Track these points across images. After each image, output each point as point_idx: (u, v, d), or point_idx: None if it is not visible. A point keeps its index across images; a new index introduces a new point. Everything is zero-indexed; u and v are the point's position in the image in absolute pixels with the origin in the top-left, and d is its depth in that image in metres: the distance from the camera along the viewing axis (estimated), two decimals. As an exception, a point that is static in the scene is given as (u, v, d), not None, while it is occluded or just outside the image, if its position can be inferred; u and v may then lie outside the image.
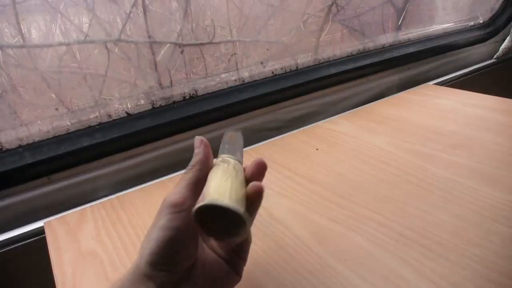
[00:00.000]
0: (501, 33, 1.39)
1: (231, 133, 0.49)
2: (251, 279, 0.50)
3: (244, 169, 0.44)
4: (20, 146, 0.70)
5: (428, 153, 0.76)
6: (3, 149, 0.69)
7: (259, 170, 0.43)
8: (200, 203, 0.36)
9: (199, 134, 0.83)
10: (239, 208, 0.35)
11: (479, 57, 1.39)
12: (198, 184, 0.41)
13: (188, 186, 0.40)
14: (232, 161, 0.43)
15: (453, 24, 1.35)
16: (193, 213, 0.36)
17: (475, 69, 1.34)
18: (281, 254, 0.53)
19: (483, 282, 0.46)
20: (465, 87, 1.13)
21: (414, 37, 1.23)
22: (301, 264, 0.51)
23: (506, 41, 1.39)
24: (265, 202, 0.64)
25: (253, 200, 0.40)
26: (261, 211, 0.62)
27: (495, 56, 1.41)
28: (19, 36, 0.69)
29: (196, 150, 0.43)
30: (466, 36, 1.32)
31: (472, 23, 1.39)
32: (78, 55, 0.74)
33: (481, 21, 1.41)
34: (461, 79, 1.29)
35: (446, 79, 1.26)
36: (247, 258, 0.45)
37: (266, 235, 0.57)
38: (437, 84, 1.21)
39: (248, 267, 0.51)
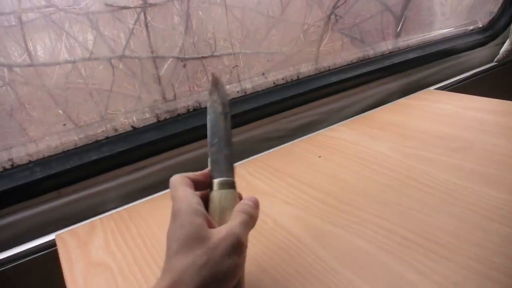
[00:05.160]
0: (500, 36, 1.40)
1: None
2: (256, 283, 0.51)
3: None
4: (30, 162, 0.72)
5: (429, 157, 0.77)
6: (14, 165, 0.71)
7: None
8: None
9: (204, 146, 0.85)
10: None
11: (479, 60, 1.41)
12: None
13: None
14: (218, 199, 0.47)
15: (452, 29, 1.37)
16: None
17: (476, 72, 1.36)
18: (286, 260, 0.55)
19: (484, 280, 0.47)
20: (467, 91, 1.14)
21: (414, 43, 1.25)
22: (306, 268, 0.53)
23: (506, 44, 1.39)
24: (270, 210, 0.66)
25: None
26: (265, 218, 0.64)
27: (495, 59, 1.42)
28: (26, 54, 0.71)
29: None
30: (465, 40, 1.33)
31: (471, 27, 1.41)
32: (83, 71, 0.76)
33: (480, 25, 1.42)
34: (462, 83, 1.30)
35: (447, 84, 1.27)
36: None
37: (270, 242, 0.59)
38: (438, 89, 1.22)
39: (254, 273, 0.52)
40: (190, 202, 0.42)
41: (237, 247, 0.40)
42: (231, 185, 0.48)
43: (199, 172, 0.48)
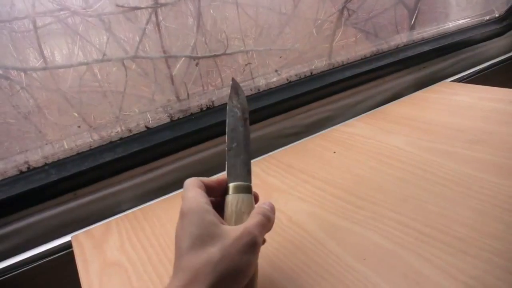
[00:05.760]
0: (518, 26, 1.37)
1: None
2: (271, 282, 0.51)
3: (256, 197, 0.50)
4: (46, 164, 0.73)
5: (446, 150, 0.75)
6: (30, 168, 0.72)
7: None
8: None
9: (218, 144, 0.85)
10: None
11: (496, 51, 1.38)
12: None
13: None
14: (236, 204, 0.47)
15: (468, 19, 1.34)
16: None
17: (493, 63, 1.33)
18: (301, 257, 0.54)
19: (504, 274, 0.46)
20: (484, 82, 1.12)
21: (428, 35, 1.23)
22: (321, 265, 0.52)
23: (524, 33, 1.37)
24: (284, 207, 0.66)
25: None
26: (280, 215, 0.64)
27: (513, 50, 1.40)
28: (41, 58, 0.72)
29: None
30: (482, 31, 1.31)
31: (487, 18, 1.38)
32: (97, 73, 0.77)
33: (497, 15, 1.39)
34: (479, 74, 1.28)
35: (464, 75, 1.24)
36: None
37: (285, 239, 0.58)
38: (455, 80, 1.20)
39: (268, 270, 0.52)
40: (199, 201, 0.43)
41: (252, 246, 0.40)
42: (247, 189, 0.48)
43: (214, 178, 0.48)
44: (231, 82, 0.55)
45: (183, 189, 0.46)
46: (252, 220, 0.43)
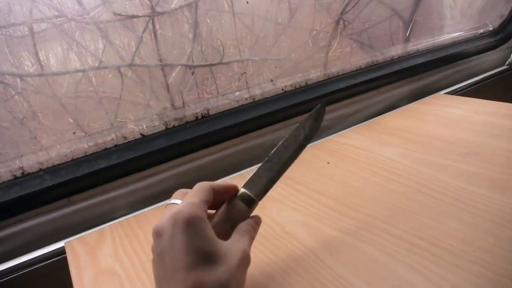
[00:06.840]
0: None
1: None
2: (263, 291, 0.51)
3: None
4: (40, 170, 0.73)
5: (439, 163, 0.76)
6: (25, 173, 0.72)
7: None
8: None
9: (212, 153, 0.86)
10: None
11: (490, 64, 1.39)
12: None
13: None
14: None
15: (462, 32, 1.35)
16: None
17: (487, 76, 1.34)
18: (294, 267, 0.54)
19: (494, 288, 0.47)
20: (478, 95, 1.13)
21: (423, 47, 1.24)
22: (313, 275, 0.52)
23: (517, 47, 1.38)
24: (277, 217, 0.66)
25: None
26: (273, 225, 0.64)
27: (507, 63, 1.41)
28: (37, 64, 0.72)
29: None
30: (476, 44, 1.32)
31: (481, 31, 1.39)
32: (93, 80, 0.77)
33: (491, 28, 1.41)
34: (473, 87, 1.29)
35: (458, 88, 1.25)
36: None
37: (278, 249, 0.59)
38: (449, 93, 1.21)
39: (261, 280, 0.52)
40: (201, 214, 0.42)
41: (247, 266, 0.43)
42: (250, 203, 0.48)
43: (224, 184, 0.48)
44: (318, 105, 0.55)
45: (192, 190, 0.46)
46: (246, 240, 0.44)
